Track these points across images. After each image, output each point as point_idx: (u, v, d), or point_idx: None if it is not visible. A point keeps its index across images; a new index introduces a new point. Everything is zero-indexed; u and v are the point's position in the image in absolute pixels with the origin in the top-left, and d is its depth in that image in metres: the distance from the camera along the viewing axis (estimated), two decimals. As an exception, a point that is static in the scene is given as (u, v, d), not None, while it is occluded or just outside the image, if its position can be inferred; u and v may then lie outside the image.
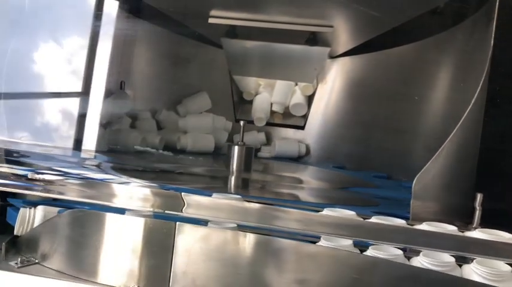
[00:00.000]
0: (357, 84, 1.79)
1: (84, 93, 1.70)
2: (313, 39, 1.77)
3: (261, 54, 1.80)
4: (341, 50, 1.79)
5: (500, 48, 1.24)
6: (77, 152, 1.59)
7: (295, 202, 1.31)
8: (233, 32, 1.77)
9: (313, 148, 1.83)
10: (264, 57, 1.80)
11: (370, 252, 0.90)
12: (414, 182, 1.10)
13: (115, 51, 1.77)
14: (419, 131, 1.60)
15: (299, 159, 1.81)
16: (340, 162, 1.76)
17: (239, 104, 1.89)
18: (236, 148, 1.51)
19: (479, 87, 1.18)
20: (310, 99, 1.85)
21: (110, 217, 1.01)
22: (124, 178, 1.24)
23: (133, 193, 1.05)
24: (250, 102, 1.87)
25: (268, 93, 1.88)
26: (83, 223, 1.04)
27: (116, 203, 1.04)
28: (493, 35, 1.25)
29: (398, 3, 1.68)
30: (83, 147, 1.60)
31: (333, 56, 1.80)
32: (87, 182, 1.09)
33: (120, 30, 1.81)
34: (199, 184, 1.52)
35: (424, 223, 0.93)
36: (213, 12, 1.74)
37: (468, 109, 1.15)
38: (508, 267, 0.84)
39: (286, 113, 1.87)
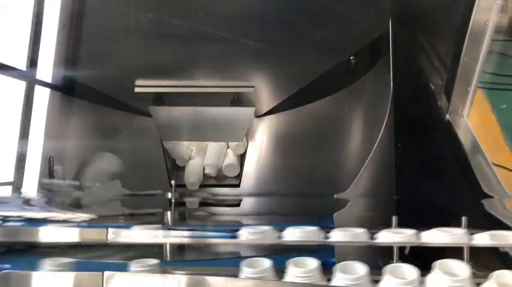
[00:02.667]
0: (283, 139, 1.89)
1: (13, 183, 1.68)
2: (237, 100, 1.87)
3: (189, 118, 1.86)
4: (266, 108, 1.89)
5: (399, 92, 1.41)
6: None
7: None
8: (160, 99, 1.84)
9: (250, 203, 1.87)
10: (192, 121, 1.86)
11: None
12: (335, 215, 1.17)
13: (45, 129, 1.78)
14: (343, 174, 1.69)
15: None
16: (278, 212, 1.81)
17: (173, 171, 1.91)
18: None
19: (383, 126, 1.31)
20: (242, 157, 1.92)
21: (34, 276, 0.97)
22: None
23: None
24: (184, 168, 1.91)
25: (201, 158, 1.92)
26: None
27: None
28: (391, 80, 1.42)
29: (308, 61, 1.84)
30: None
31: (259, 115, 1.90)
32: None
33: (50, 107, 1.83)
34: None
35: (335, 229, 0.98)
36: (138, 82, 1.81)
37: (374, 147, 1.26)
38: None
39: (220, 175, 1.92)
